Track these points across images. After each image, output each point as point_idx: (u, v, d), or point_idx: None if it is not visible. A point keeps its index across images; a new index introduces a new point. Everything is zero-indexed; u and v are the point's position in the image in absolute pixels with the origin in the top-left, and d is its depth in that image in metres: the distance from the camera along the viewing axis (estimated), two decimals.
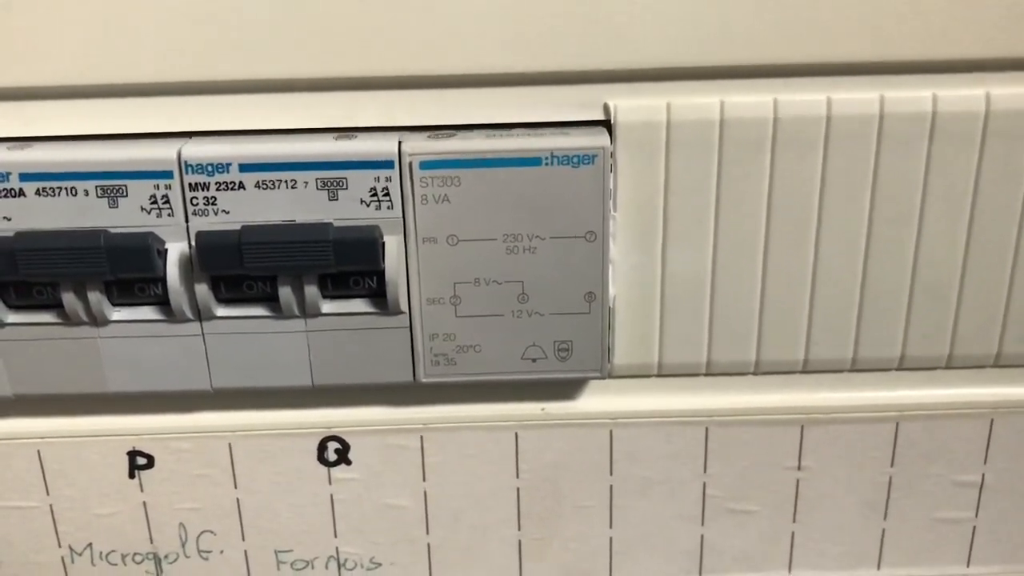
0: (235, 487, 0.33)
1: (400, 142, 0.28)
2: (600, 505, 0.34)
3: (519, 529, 0.34)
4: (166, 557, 0.34)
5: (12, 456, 0.32)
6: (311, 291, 0.29)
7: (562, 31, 0.27)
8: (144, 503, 0.33)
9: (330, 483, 0.33)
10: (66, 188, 0.28)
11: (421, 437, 0.33)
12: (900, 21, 0.27)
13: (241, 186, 0.28)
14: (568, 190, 0.28)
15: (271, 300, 0.29)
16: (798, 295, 0.31)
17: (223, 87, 0.28)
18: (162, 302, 0.29)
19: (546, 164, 0.28)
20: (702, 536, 0.35)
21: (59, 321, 0.29)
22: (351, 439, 0.33)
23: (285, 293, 0.29)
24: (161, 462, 0.33)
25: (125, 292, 0.29)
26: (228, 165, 0.28)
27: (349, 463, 0.33)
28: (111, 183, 0.28)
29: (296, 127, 0.29)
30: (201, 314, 0.29)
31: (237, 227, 0.28)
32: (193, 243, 0.28)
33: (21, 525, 0.34)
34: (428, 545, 0.34)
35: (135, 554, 0.34)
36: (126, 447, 0.33)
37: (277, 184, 0.28)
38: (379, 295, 0.29)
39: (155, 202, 0.28)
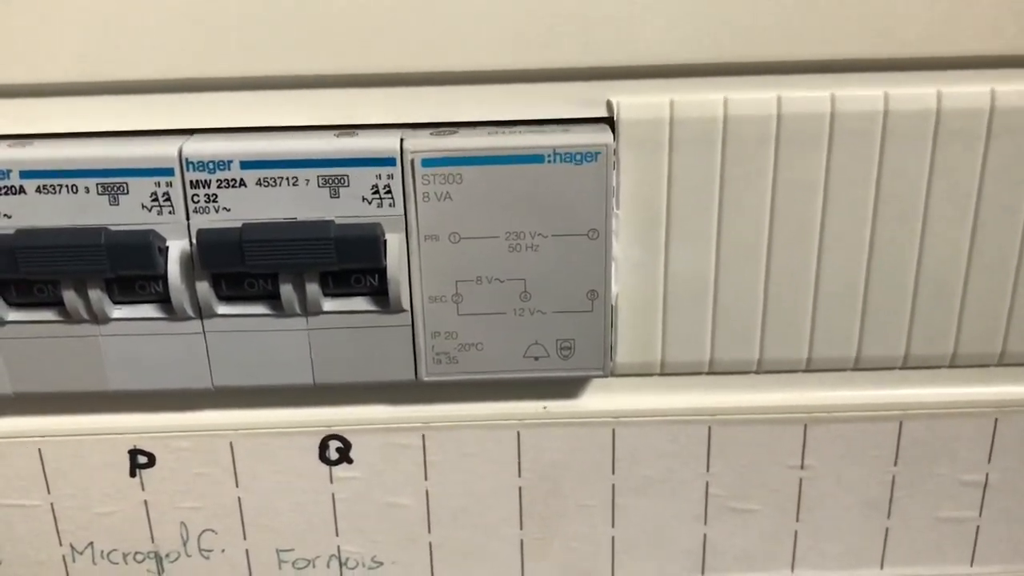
0: (236, 486, 0.33)
1: (402, 139, 0.28)
2: (602, 504, 0.34)
3: (521, 528, 0.34)
4: (167, 556, 0.34)
5: (13, 455, 0.32)
6: (312, 289, 0.28)
7: (565, 28, 0.27)
8: (145, 502, 0.33)
9: (331, 482, 0.33)
10: (67, 185, 0.28)
11: (423, 436, 0.32)
12: (904, 18, 0.27)
13: (242, 183, 0.28)
14: (571, 187, 0.28)
15: (272, 298, 0.29)
16: (801, 293, 0.30)
17: (224, 84, 0.28)
18: (163, 300, 0.29)
19: (549, 161, 0.27)
20: (704, 535, 0.34)
21: (60, 319, 0.29)
22: (352, 438, 0.33)
23: (286, 291, 0.28)
24: (162, 461, 0.33)
25: (126, 290, 0.29)
26: (229, 162, 0.27)
27: (351, 462, 0.33)
28: (112, 180, 0.28)
29: (297, 124, 0.29)
30: (202, 312, 0.29)
31: (238, 225, 0.27)
32: (194, 241, 0.28)
33: (22, 524, 0.34)
34: (430, 544, 0.34)
35: (136, 553, 0.34)
36: (127, 445, 0.32)
37: (278, 181, 0.28)
38: (381, 293, 0.29)
39: (156, 199, 0.28)
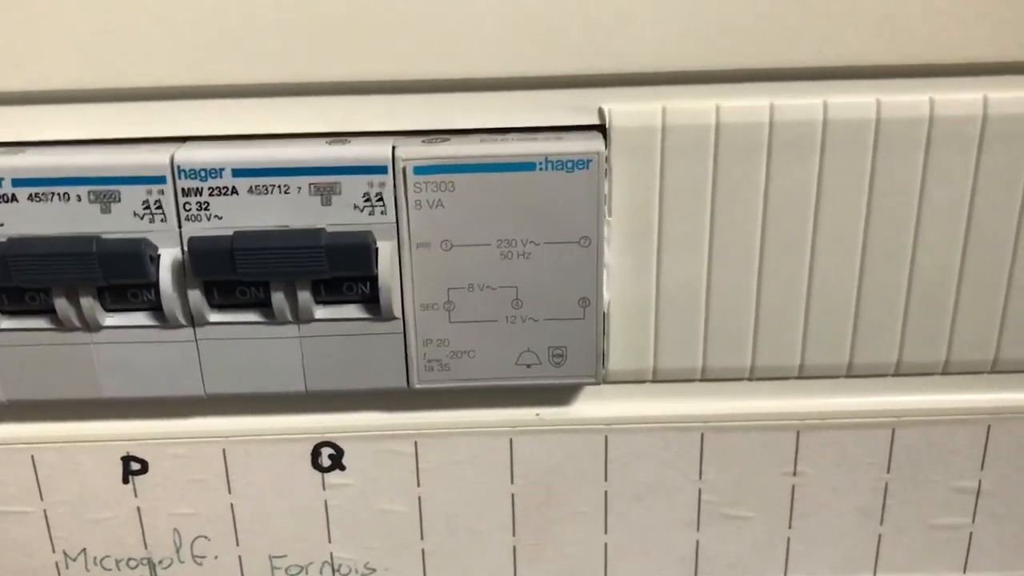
0: (229, 492, 0.33)
1: (394, 147, 0.28)
2: (595, 511, 0.34)
3: (514, 535, 0.34)
4: (160, 562, 0.34)
5: (6, 462, 0.32)
6: (304, 297, 0.28)
7: (556, 35, 0.27)
8: (138, 508, 0.33)
9: (324, 489, 0.33)
10: (58, 193, 0.28)
11: (415, 443, 0.32)
12: (896, 25, 0.27)
13: (234, 191, 0.28)
14: (562, 195, 0.28)
15: (264, 306, 0.29)
16: (794, 300, 0.30)
17: (216, 92, 0.28)
18: (155, 308, 0.29)
19: (540, 169, 0.27)
20: (697, 542, 0.34)
21: (52, 327, 0.29)
22: (345, 445, 0.32)
23: (278, 299, 0.28)
24: (155, 467, 0.33)
25: (118, 298, 0.29)
26: (221, 170, 0.27)
27: (343, 469, 0.33)
28: (104, 188, 0.28)
29: (289, 132, 0.28)
30: (194, 320, 0.29)
31: (230, 232, 0.27)
32: (186, 249, 0.28)
33: (15, 530, 0.34)
34: (423, 551, 0.34)
35: (129, 559, 0.34)
36: (120, 452, 0.32)
37: (270, 189, 0.28)
38: (372, 301, 0.29)
39: (148, 207, 0.28)
